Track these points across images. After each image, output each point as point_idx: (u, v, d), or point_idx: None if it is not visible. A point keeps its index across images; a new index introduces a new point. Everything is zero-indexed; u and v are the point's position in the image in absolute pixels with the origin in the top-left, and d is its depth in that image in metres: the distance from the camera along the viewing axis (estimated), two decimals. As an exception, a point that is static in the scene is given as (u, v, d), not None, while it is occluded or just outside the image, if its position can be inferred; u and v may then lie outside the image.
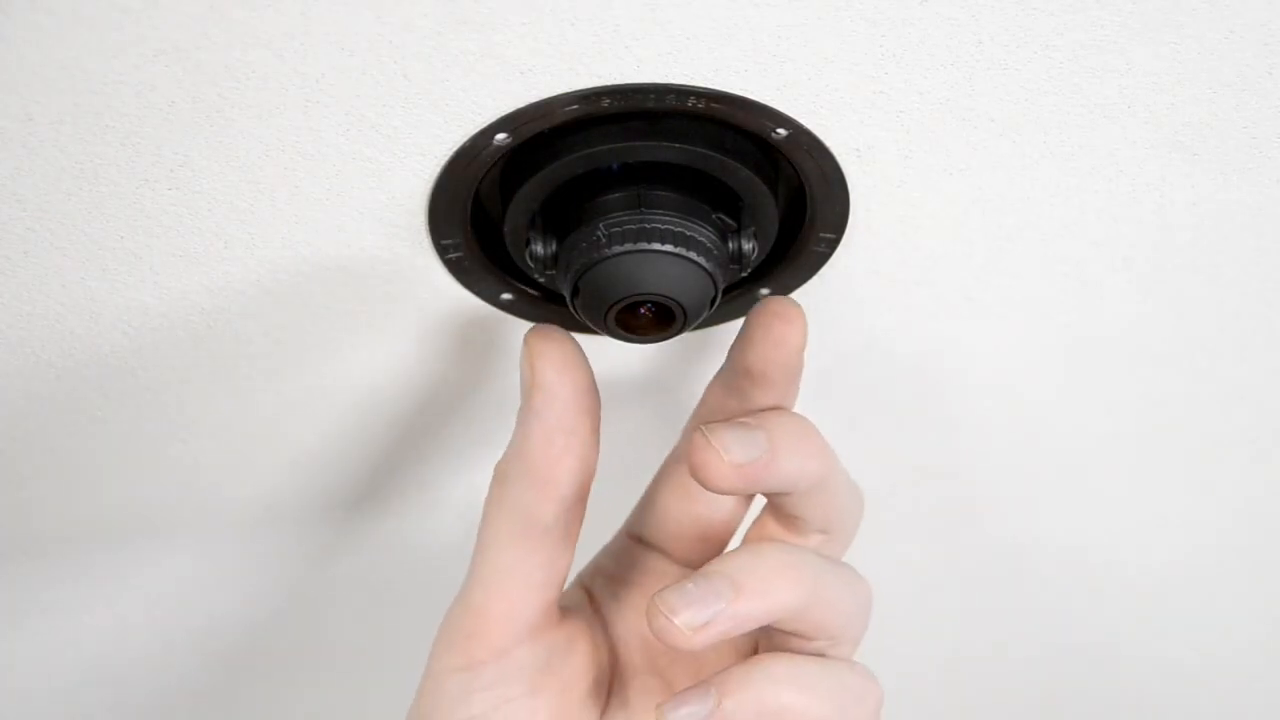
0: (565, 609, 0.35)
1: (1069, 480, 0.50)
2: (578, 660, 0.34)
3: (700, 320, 0.33)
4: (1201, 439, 0.48)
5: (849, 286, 0.39)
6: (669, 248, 0.32)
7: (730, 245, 0.34)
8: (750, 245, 0.34)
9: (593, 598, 0.37)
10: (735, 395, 0.34)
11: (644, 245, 0.32)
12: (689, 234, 0.33)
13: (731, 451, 0.31)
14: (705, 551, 0.36)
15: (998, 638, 0.61)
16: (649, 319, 0.33)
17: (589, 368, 0.33)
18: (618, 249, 0.32)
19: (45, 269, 0.35)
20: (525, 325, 0.40)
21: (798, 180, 0.35)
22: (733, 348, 0.34)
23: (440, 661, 0.33)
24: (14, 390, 0.40)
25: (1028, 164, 0.34)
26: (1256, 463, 0.49)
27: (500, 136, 0.32)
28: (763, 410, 0.33)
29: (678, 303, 0.32)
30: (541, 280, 0.36)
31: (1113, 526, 0.53)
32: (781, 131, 0.33)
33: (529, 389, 0.32)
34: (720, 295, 0.33)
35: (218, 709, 0.61)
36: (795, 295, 0.39)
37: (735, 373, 0.34)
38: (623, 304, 0.32)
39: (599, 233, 0.33)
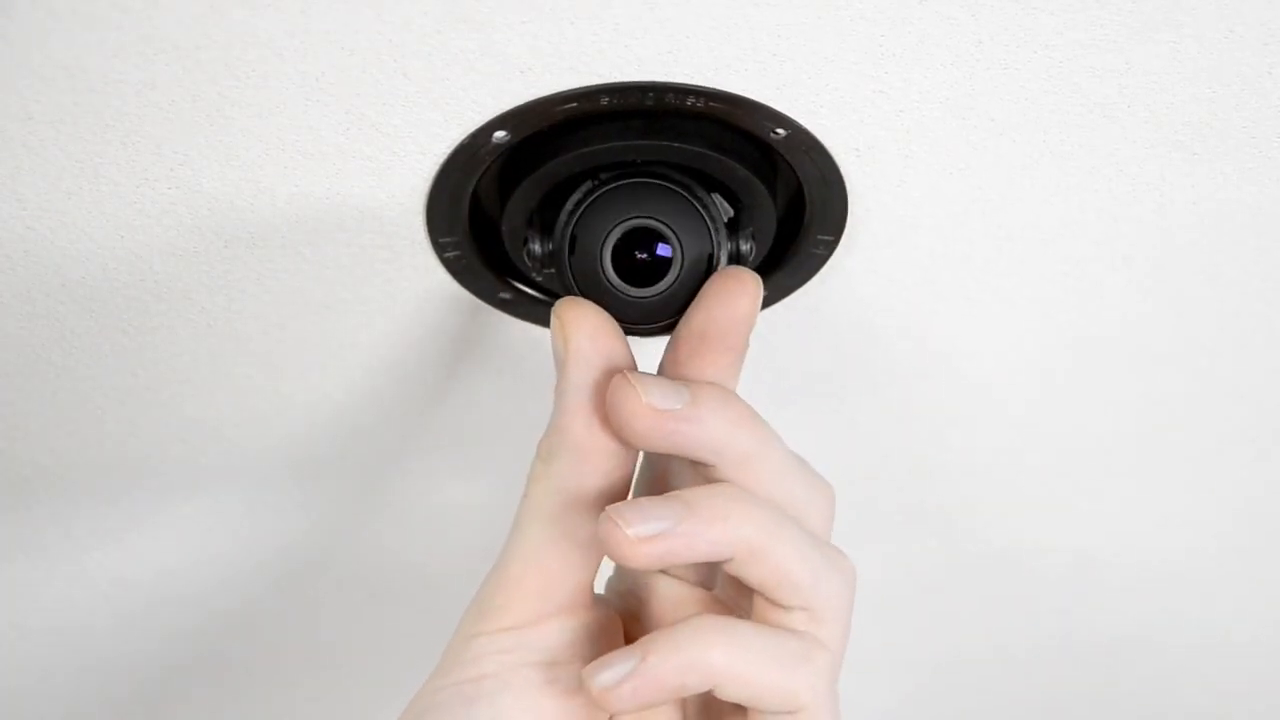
0: (601, 598, 0.34)
1: (1069, 480, 0.50)
2: (603, 644, 0.33)
3: (695, 291, 0.32)
4: (1201, 439, 0.48)
5: (848, 286, 0.39)
6: (665, 184, 0.32)
7: (730, 244, 0.34)
8: (748, 246, 0.34)
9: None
10: (672, 369, 0.33)
11: (641, 180, 0.32)
12: (688, 182, 0.33)
13: (651, 393, 0.30)
14: (698, 566, 0.34)
15: (997, 638, 0.61)
16: (644, 265, 0.32)
17: (623, 336, 0.32)
18: (614, 184, 0.32)
19: (45, 267, 0.35)
20: (524, 324, 0.40)
21: (796, 182, 0.35)
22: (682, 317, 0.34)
23: (468, 627, 0.32)
24: (14, 389, 0.40)
25: (1028, 164, 0.34)
26: (1257, 462, 0.49)
27: (499, 134, 0.32)
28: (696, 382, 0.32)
29: (674, 233, 0.32)
30: (539, 279, 0.36)
31: (1113, 526, 0.53)
32: (781, 131, 0.33)
33: (562, 361, 0.32)
34: (720, 257, 0.33)
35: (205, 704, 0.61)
36: (794, 296, 0.39)
37: (677, 342, 0.33)
38: (620, 229, 0.32)
39: (596, 178, 0.33)
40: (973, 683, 0.65)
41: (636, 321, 0.33)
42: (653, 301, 0.32)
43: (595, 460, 0.31)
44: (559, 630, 0.32)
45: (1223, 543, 0.54)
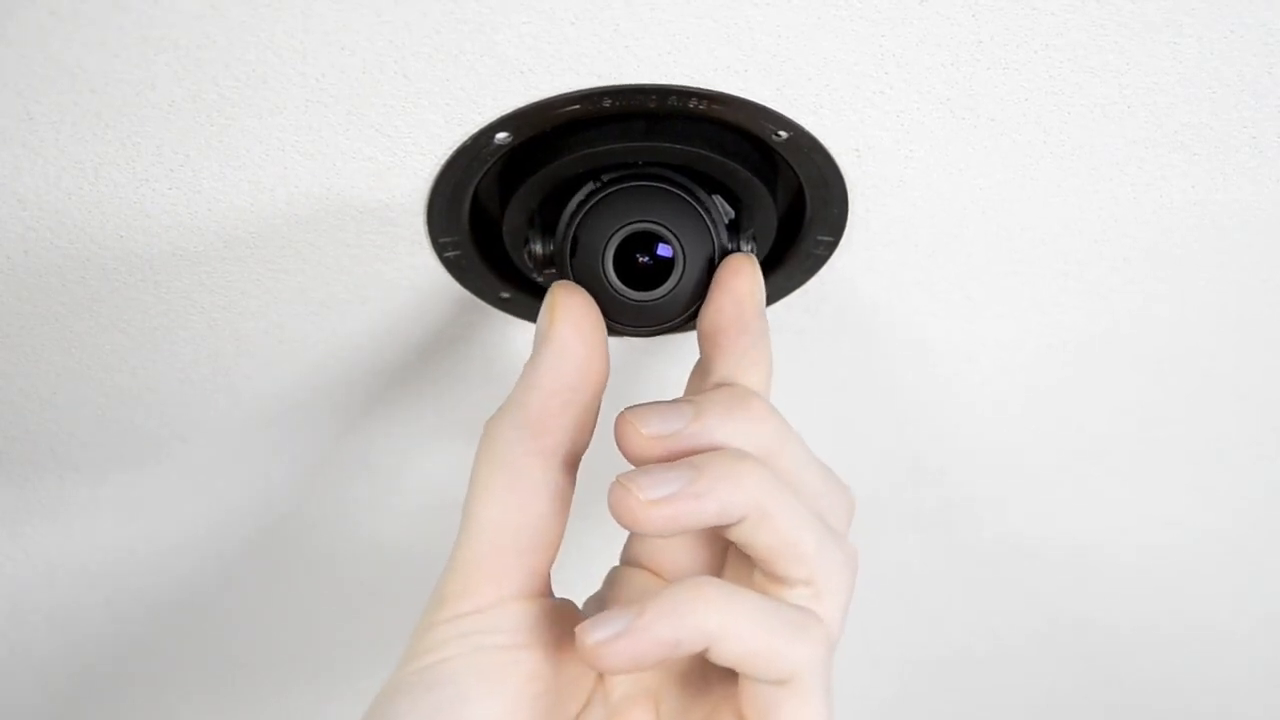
0: (562, 599, 0.34)
1: (1069, 480, 0.50)
2: (565, 629, 0.32)
3: (698, 296, 0.33)
4: (1202, 439, 0.48)
5: (848, 286, 0.39)
6: (666, 186, 0.32)
7: (731, 245, 0.34)
8: (749, 247, 0.34)
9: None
10: (699, 375, 0.33)
11: (642, 183, 0.32)
12: (689, 184, 0.33)
13: (650, 424, 0.30)
14: (693, 566, 0.34)
15: (997, 638, 0.61)
16: (646, 268, 0.32)
17: (605, 335, 0.32)
18: (616, 187, 0.32)
19: (44, 267, 0.35)
20: (523, 324, 0.40)
21: (797, 182, 0.35)
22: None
23: (428, 617, 0.32)
24: (14, 390, 0.40)
25: (1028, 164, 0.34)
26: (1257, 463, 0.49)
27: (501, 136, 0.32)
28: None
29: (676, 236, 0.32)
30: (540, 280, 0.36)
31: (1112, 525, 0.53)
32: (782, 134, 0.33)
33: (542, 340, 0.32)
34: (721, 259, 0.33)
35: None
36: (793, 296, 0.39)
37: (701, 348, 0.33)
38: (622, 233, 0.32)
39: (597, 180, 0.33)
40: (972, 678, 0.65)
41: (638, 324, 0.33)
42: (654, 304, 0.32)
43: (545, 439, 0.31)
44: (519, 614, 0.32)
45: (1222, 542, 0.54)
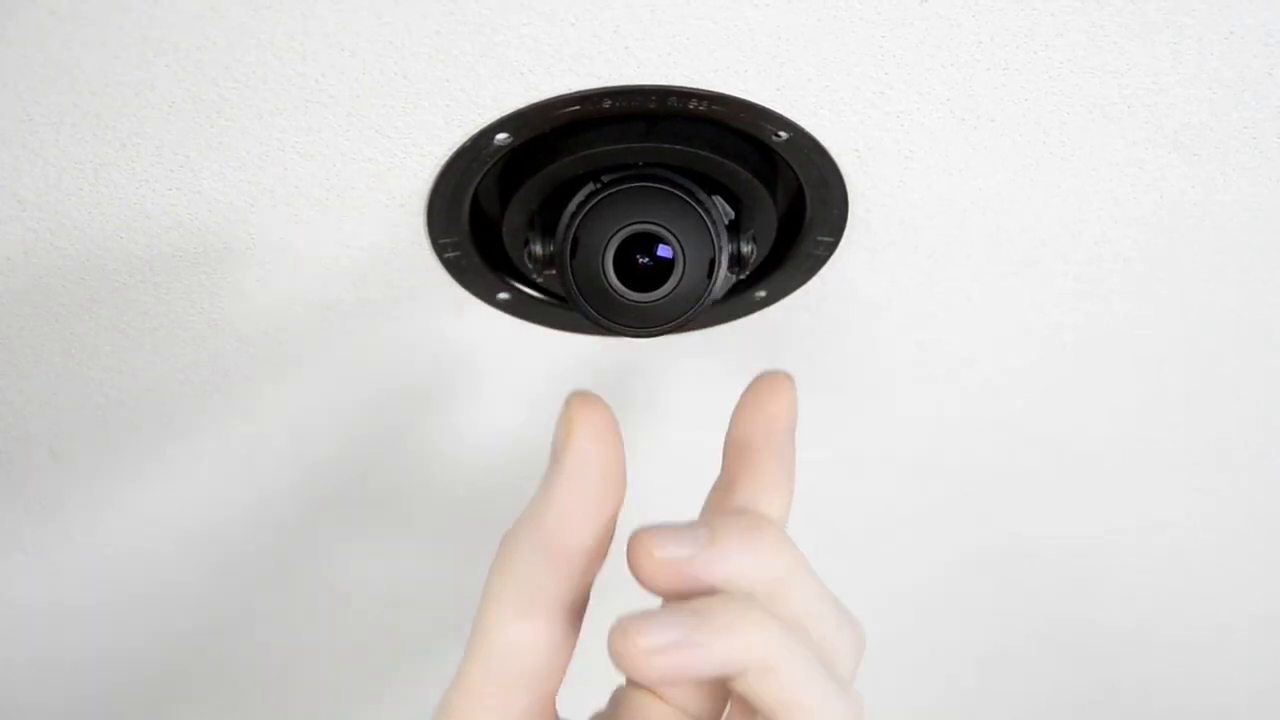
0: None
1: (1069, 480, 0.50)
2: None
3: (698, 297, 0.33)
4: (1202, 439, 0.48)
5: (848, 286, 0.39)
6: (667, 188, 0.32)
7: (731, 246, 0.34)
8: (749, 248, 0.34)
9: None
10: (722, 488, 0.33)
11: (643, 184, 0.32)
12: (689, 185, 0.33)
13: (664, 548, 0.30)
14: (699, 694, 0.33)
15: (997, 638, 0.61)
16: (646, 269, 0.32)
17: (623, 449, 0.31)
18: (616, 188, 0.32)
19: (45, 268, 0.35)
20: (523, 324, 0.40)
21: (797, 183, 0.35)
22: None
23: None
24: (14, 390, 0.40)
25: (1028, 164, 0.34)
26: (1257, 463, 0.49)
27: (501, 136, 0.32)
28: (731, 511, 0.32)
29: (676, 237, 0.32)
30: (540, 280, 0.36)
31: (1112, 526, 0.53)
32: (782, 135, 0.33)
33: (561, 452, 0.31)
34: (721, 261, 0.33)
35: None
36: (793, 296, 0.39)
37: (725, 457, 0.33)
38: (622, 234, 0.32)
39: (597, 181, 0.33)
40: (972, 678, 0.65)
41: (638, 325, 0.33)
42: (654, 305, 0.32)
43: (564, 560, 0.31)
44: None
45: (1222, 543, 0.54)
